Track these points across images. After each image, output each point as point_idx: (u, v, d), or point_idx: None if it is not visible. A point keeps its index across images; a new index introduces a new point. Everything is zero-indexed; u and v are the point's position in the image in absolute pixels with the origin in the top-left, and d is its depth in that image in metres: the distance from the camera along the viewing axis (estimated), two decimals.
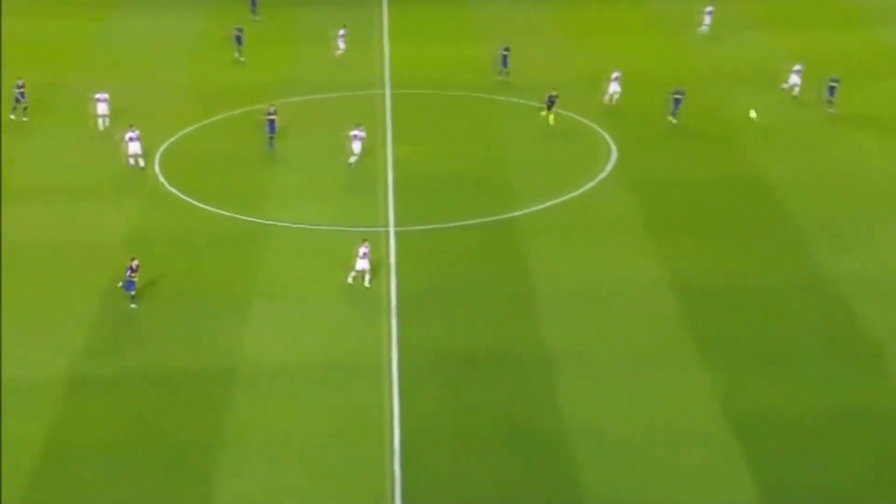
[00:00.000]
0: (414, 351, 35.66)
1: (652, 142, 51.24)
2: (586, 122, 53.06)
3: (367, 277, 38.77)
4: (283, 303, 38.54)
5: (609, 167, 48.57)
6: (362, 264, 38.65)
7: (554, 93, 52.49)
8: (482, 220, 43.97)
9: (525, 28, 67.22)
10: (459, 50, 64.33)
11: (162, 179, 47.77)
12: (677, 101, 52.37)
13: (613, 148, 50.47)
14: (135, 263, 37.89)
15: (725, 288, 39.25)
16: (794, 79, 54.75)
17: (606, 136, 51.73)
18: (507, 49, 58.97)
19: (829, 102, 53.62)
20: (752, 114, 32.31)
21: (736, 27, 66.60)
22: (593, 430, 32.04)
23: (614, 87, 54.53)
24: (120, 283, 38.03)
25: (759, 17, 69.13)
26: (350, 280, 38.93)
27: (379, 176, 47.63)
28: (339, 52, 61.71)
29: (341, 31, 62.06)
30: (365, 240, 39.02)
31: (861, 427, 32.00)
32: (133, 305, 37.92)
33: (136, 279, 37.90)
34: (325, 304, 38.41)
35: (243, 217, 44.48)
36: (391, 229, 43.25)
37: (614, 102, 54.68)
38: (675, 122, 52.29)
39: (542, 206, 44.96)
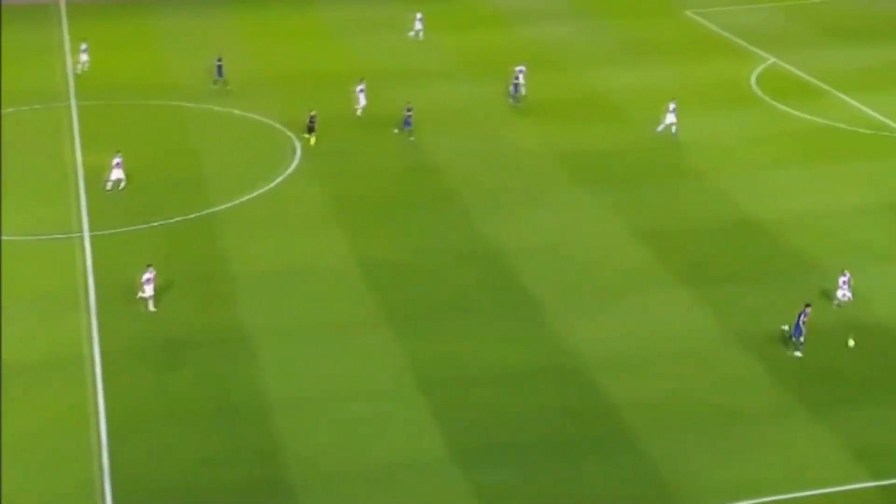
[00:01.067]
0: (117, 344, 36.92)
1: (337, 136, 54.01)
2: (276, 125, 55.47)
3: (151, 303, 39.02)
4: None
5: (295, 164, 51.14)
6: (148, 290, 38.78)
7: (313, 113, 53.27)
8: (180, 218, 45.58)
9: (222, 36, 68.82)
10: (150, 60, 65.28)
11: None
12: (408, 119, 53.66)
13: (298, 146, 53.07)
14: None
15: (407, 261, 42.76)
16: (521, 78, 59.22)
17: (291, 135, 54.18)
18: (220, 59, 60.38)
19: (514, 97, 58.32)
20: (851, 343, 36.30)
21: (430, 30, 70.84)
22: (294, 400, 34.43)
23: (362, 101, 56.14)
24: None
25: (438, 21, 73.77)
26: (152, 308, 39.08)
27: (71, 184, 48.20)
28: (82, 65, 61.87)
29: (83, 46, 62.47)
30: (149, 265, 39.41)
31: (534, 381, 35.59)
32: None
33: None
34: (23, 309, 38.94)
35: None
36: (85, 234, 44.11)
37: (360, 114, 56.38)
38: (412, 139, 53.53)
39: (236, 202, 47.03)
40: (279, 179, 49.64)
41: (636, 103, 58.82)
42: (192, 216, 45.80)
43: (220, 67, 60.19)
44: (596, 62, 65.32)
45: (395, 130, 53.98)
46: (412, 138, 53.61)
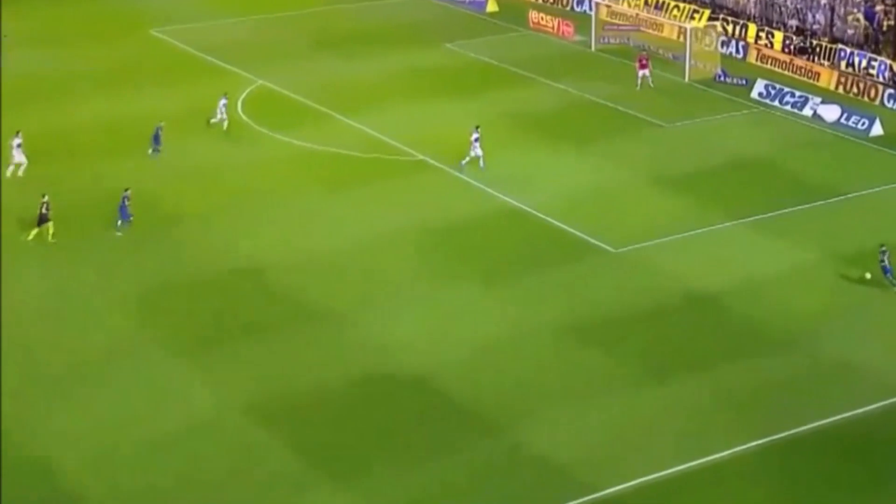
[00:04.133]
0: None
1: None
2: None
3: None
4: None
5: None
6: None
7: (45, 199, 40.74)
8: None
9: None
10: None
11: None
12: (124, 207, 41.67)
13: None
14: None
15: None
16: (221, 113, 51.28)
17: None
18: None
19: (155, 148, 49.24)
20: (868, 275, 37.75)
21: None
22: None
23: (18, 157, 45.74)
24: None
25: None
26: None
27: None
28: None
29: None
30: None
31: None
32: None
33: None
34: None
35: None
36: None
37: (20, 174, 45.48)
38: (119, 233, 41.48)
39: None
40: None
41: (119, 137, 51.05)
42: None
43: None
44: (70, 94, 57.15)
45: (118, 228, 41.79)
46: (120, 233, 41.84)
